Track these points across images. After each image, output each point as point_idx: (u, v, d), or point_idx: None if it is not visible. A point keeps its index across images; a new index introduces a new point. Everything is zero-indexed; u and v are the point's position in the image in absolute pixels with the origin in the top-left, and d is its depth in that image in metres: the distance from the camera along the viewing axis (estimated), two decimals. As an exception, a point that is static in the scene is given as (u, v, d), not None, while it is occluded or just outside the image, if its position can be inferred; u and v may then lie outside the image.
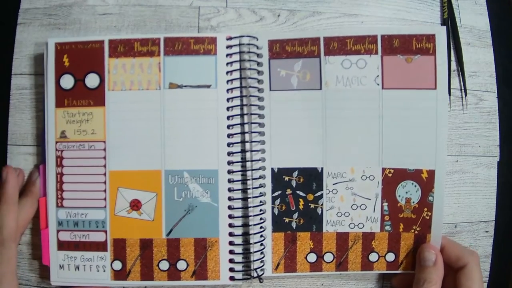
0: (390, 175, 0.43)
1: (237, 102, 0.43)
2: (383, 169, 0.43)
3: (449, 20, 0.49)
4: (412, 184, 0.43)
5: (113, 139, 0.42)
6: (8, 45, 0.45)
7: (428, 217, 0.43)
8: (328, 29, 0.48)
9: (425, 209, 0.43)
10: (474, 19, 0.50)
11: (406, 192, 0.43)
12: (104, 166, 0.42)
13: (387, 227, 0.43)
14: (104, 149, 0.42)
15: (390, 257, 0.44)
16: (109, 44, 0.43)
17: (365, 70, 0.42)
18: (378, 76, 0.42)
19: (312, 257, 0.44)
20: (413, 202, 0.43)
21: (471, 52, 0.50)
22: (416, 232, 0.43)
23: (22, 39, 0.45)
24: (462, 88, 0.49)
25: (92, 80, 0.43)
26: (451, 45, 0.49)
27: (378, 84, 0.42)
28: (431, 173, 0.43)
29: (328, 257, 0.44)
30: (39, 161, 0.44)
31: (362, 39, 0.42)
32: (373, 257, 0.44)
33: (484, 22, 0.51)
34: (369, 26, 0.48)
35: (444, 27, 0.43)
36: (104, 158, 0.42)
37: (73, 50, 0.43)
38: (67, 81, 0.43)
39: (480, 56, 0.50)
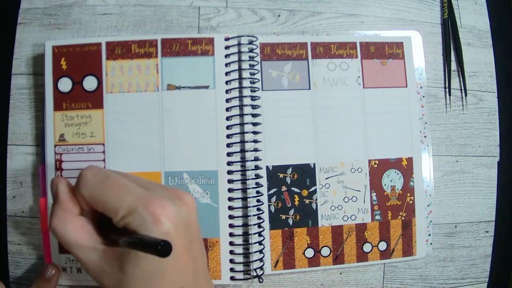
0: (376, 166, 0.46)
1: (235, 102, 0.43)
2: (369, 161, 0.45)
3: (449, 20, 0.50)
4: (395, 172, 0.46)
5: (112, 142, 0.42)
6: (8, 45, 0.45)
7: (411, 202, 0.46)
8: (328, 29, 0.48)
9: (408, 194, 0.46)
10: (474, 19, 0.50)
11: (391, 181, 0.46)
12: (104, 168, 0.42)
13: (377, 217, 0.45)
14: (103, 152, 0.42)
15: (382, 246, 0.45)
16: (106, 46, 0.43)
17: (348, 71, 0.46)
18: (359, 77, 0.46)
19: (310, 252, 0.44)
20: (397, 189, 0.46)
21: (471, 52, 0.50)
22: (403, 218, 0.46)
23: (22, 39, 0.45)
24: (462, 88, 0.49)
25: (90, 83, 0.43)
26: (451, 45, 0.49)
27: (359, 84, 0.46)
28: (410, 160, 0.46)
29: (325, 251, 0.44)
30: (39, 161, 0.44)
31: (344, 45, 0.46)
32: (366, 247, 0.45)
33: (484, 22, 0.51)
34: (369, 26, 0.48)
35: (410, 36, 0.47)
36: (104, 160, 0.42)
37: (70, 53, 0.42)
38: (65, 84, 0.42)
39: (480, 56, 0.50)
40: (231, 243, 0.43)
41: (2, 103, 0.44)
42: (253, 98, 0.44)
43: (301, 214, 0.44)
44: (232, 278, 0.43)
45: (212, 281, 0.33)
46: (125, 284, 0.28)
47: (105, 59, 0.43)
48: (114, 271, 0.28)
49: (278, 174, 0.44)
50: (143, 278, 0.27)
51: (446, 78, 0.49)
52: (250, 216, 0.43)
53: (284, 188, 0.44)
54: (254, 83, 0.44)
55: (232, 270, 0.43)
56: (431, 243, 0.47)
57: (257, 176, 0.43)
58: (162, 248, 0.24)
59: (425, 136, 0.47)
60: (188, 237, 0.29)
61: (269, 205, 0.44)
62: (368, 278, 0.46)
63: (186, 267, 0.29)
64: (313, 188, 0.44)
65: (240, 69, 0.43)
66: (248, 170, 0.43)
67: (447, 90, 0.49)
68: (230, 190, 0.43)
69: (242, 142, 0.43)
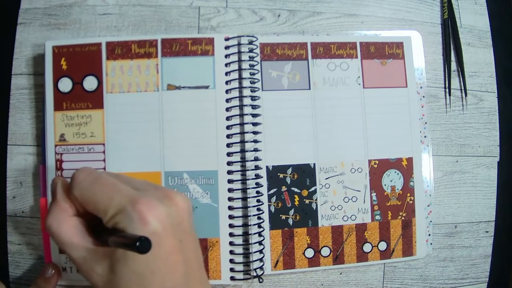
0: (376, 166, 0.46)
1: (235, 102, 0.43)
2: (369, 161, 0.46)
3: (449, 20, 0.50)
4: (395, 172, 0.46)
5: (112, 142, 0.42)
6: (8, 45, 0.45)
7: (411, 202, 0.46)
8: (328, 29, 0.48)
9: (408, 194, 0.46)
10: (474, 19, 0.50)
11: (391, 181, 0.46)
12: (104, 168, 0.42)
13: (377, 217, 0.45)
14: (104, 152, 0.42)
15: (382, 246, 0.45)
16: (106, 46, 0.43)
17: (347, 72, 0.46)
18: (359, 77, 0.46)
19: (310, 253, 0.44)
20: (397, 189, 0.46)
21: (471, 52, 0.50)
22: (402, 218, 0.46)
23: (22, 39, 0.45)
24: (462, 88, 0.49)
25: (90, 83, 0.43)
26: (451, 45, 0.49)
27: (359, 84, 0.46)
28: (410, 160, 0.46)
29: (325, 251, 0.44)
30: (39, 161, 0.44)
31: (344, 45, 0.46)
32: (366, 247, 0.45)
33: (484, 22, 0.51)
34: (369, 26, 0.48)
35: (410, 36, 0.47)
36: (104, 160, 0.42)
37: (70, 53, 0.43)
38: (65, 84, 0.42)
39: (480, 56, 0.50)
40: (231, 243, 0.43)
41: (2, 103, 0.44)
42: (253, 98, 0.44)
43: (301, 214, 0.44)
44: (232, 278, 0.43)
45: (210, 284, 0.33)
46: (115, 284, 0.28)
47: (105, 59, 0.43)
48: (105, 270, 0.29)
49: (278, 174, 0.44)
50: (133, 277, 0.27)
51: (446, 78, 0.49)
52: (250, 216, 0.43)
53: (284, 188, 0.44)
54: (254, 83, 0.44)
55: (232, 270, 0.43)
56: (431, 243, 0.47)
57: (257, 176, 0.43)
58: (141, 244, 0.24)
59: (425, 136, 0.47)
60: (179, 237, 0.29)
61: (269, 205, 0.44)
62: (368, 278, 0.46)
63: (176, 267, 0.29)
64: (313, 188, 0.44)
65: (240, 69, 0.43)
66: (248, 170, 0.43)
67: (447, 90, 0.49)
68: (230, 190, 0.43)
69: (242, 142, 0.43)
